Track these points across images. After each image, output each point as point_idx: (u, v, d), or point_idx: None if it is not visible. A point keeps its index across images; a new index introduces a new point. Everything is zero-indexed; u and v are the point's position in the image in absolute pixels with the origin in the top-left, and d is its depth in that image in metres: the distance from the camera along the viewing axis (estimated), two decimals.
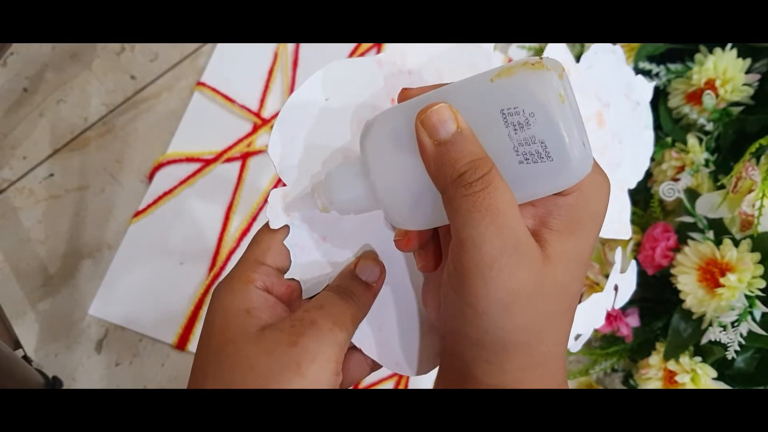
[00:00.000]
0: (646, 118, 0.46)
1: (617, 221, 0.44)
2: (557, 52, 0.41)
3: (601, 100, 0.43)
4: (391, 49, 0.32)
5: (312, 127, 0.30)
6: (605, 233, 0.43)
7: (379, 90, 0.32)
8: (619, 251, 0.44)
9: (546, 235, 0.26)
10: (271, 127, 0.61)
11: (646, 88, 0.46)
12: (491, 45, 0.36)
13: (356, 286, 0.30)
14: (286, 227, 0.29)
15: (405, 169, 0.26)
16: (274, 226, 0.29)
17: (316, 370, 0.26)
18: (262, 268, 0.29)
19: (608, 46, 0.44)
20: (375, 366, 0.33)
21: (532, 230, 0.26)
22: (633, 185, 0.45)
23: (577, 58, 0.43)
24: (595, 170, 0.26)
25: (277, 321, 0.28)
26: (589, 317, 0.42)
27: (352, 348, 0.32)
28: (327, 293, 0.29)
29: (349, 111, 0.31)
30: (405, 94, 0.28)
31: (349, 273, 0.30)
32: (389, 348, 0.33)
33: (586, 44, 0.48)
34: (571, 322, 0.27)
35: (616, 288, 0.44)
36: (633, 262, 0.46)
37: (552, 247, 0.25)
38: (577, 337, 0.41)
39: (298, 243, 0.30)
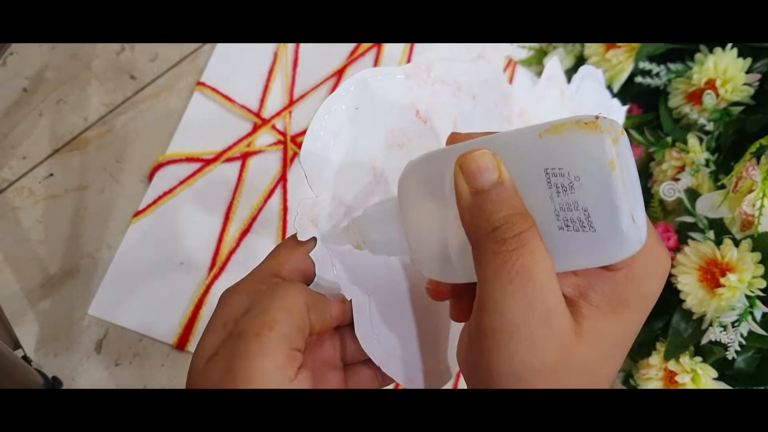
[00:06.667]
0: None
1: None
2: (554, 66, 0.43)
3: None
4: (417, 61, 0.32)
5: (342, 137, 0.29)
6: None
7: (405, 101, 0.32)
8: None
9: (584, 310, 0.23)
10: (272, 126, 0.61)
11: (620, 112, 0.50)
12: (501, 63, 0.38)
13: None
14: (313, 240, 0.29)
15: (438, 218, 0.25)
16: (302, 237, 0.28)
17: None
18: (274, 280, 0.28)
19: (591, 69, 0.46)
20: (386, 381, 0.31)
21: (569, 301, 0.23)
22: None
23: (575, 67, 0.44)
24: (652, 246, 0.23)
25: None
26: None
27: (364, 362, 0.31)
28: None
29: (378, 121, 0.31)
30: (452, 138, 0.26)
31: None
32: (403, 362, 0.32)
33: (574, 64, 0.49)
34: None
35: None
36: None
37: (588, 324, 0.23)
38: None
39: (324, 255, 0.29)
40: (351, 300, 0.30)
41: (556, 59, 0.45)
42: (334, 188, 0.29)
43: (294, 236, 0.29)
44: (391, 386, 0.58)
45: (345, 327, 0.31)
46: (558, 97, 0.43)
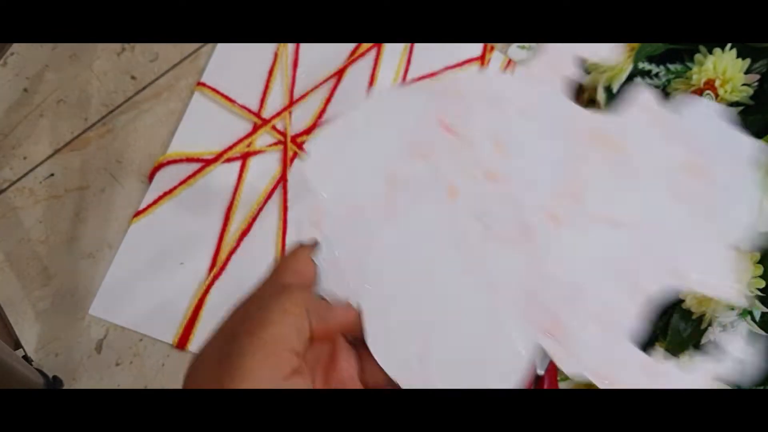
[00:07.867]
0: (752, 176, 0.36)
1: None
2: (648, 97, 0.36)
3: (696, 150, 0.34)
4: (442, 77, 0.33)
5: (353, 144, 0.30)
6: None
7: (428, 112, 0.32)
8: None
9: None
10: (272, 127, 0.61)
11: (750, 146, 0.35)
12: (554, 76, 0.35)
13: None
14: (316, 243, 0.29)
15: None
16: (303, 241, 0.28)
17: None
18: (277, 287, 0.28)
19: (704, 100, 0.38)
20: None
21: None
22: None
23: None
24: None
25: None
26: None
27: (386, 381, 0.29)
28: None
29: (397, 131, 0.31)
30: None
31: None
32: (424, 378, 0.29)
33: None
34: None
35: None
36: None
37: None
38: None
39: (327, 258, 0.29)
40: (360, 306, 0.29)
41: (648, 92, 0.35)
42: (341, 191, 0.29)
43: (300, 241, 0.29)
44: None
45: (362, 345, 0.29)
46: (651, 123, 0.35)
